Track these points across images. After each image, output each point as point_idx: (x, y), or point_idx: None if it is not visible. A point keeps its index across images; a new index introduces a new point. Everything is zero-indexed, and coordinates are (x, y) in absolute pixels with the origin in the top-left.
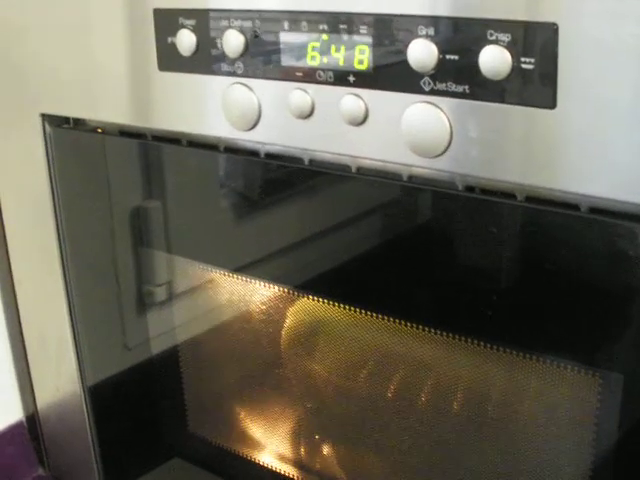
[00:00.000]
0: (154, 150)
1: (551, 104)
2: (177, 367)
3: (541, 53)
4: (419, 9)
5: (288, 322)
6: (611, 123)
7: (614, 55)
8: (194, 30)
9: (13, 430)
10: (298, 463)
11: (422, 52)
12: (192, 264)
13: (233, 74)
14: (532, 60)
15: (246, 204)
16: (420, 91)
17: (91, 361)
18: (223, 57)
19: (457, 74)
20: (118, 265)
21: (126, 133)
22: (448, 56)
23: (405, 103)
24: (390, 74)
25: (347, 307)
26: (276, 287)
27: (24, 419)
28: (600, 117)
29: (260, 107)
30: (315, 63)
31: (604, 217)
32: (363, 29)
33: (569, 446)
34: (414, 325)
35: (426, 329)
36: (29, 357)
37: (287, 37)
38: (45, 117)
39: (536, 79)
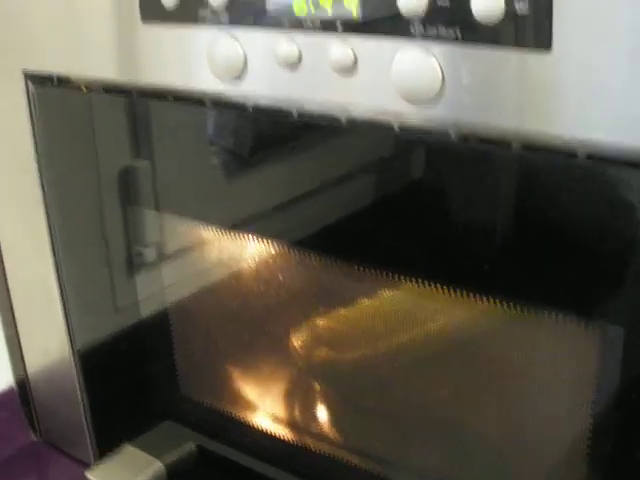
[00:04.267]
0: (140, 107)
1: (546, 45)
2: (168, 328)
3: None
4: None
5: (280, 279)
6: (609, 64)
7: None
8: None
9: (3, 396)
10: (291, 424)
11: None
12: (182, 222)
13: (218, 24)
14: (525, 1)
15: (235, 160)
16: (410, 37)
17: (80, 324)
18: (208, 7)
19: (448, 18)
20: (106, 226)
21: (111, 90)
22: (439, 0)
23: (395, 49)
24: (379, 20)
25: (341, 262)
26: (267, 243)
27: (14, 384)
28: (597, 58)
29: (246, 58)
30: (302, 10)
31: (602, 164)
32: None
33: (569, 402)
34: (410, 280)
35: (422, 283)
36: (18, 322)
37: None
38: (28, 76)
39: (531, 19)
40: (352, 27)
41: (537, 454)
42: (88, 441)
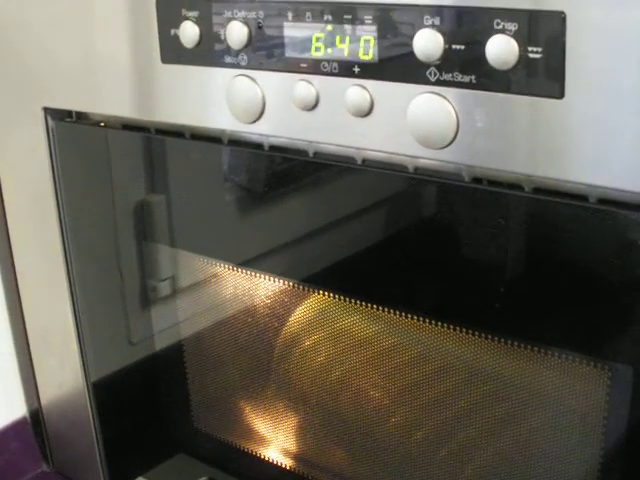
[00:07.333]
0: (157, 143)
1: (559, 94)
2: (181, 362)
3: (548, 42)
4: None
5: (293, 316)
6: (620, 112)
7: (622, 43)
8: (197, 22)
9: (17, 426)
10: (303, 458)
11: (428, 42)
12: (196, 258)
13: (237, 66)
14: (539, 49)
15: (250, 197)
16: (426, 82)
17: (95, 356)
18: (227, 49)
19: (463, 64)
20: (121, 260)
21: (129, 127)
22: (454, 46)
23: (411, 94)
24: (395, 65)
25: (353, 301)
26: (280, 281)
27: (28, 415)
28: (609, 106)
29: (264, 99)
30: (320, 54)
31: (613, 208)
32: (368, 19)
33: (578, 439)
34: (421, 318)
35: (433, 322)
36: (32, 353)
37: (291, 28)
38: (47, 111)
39: (544, 68)
40: (369, 71)
41: None
42: (101, 473)
